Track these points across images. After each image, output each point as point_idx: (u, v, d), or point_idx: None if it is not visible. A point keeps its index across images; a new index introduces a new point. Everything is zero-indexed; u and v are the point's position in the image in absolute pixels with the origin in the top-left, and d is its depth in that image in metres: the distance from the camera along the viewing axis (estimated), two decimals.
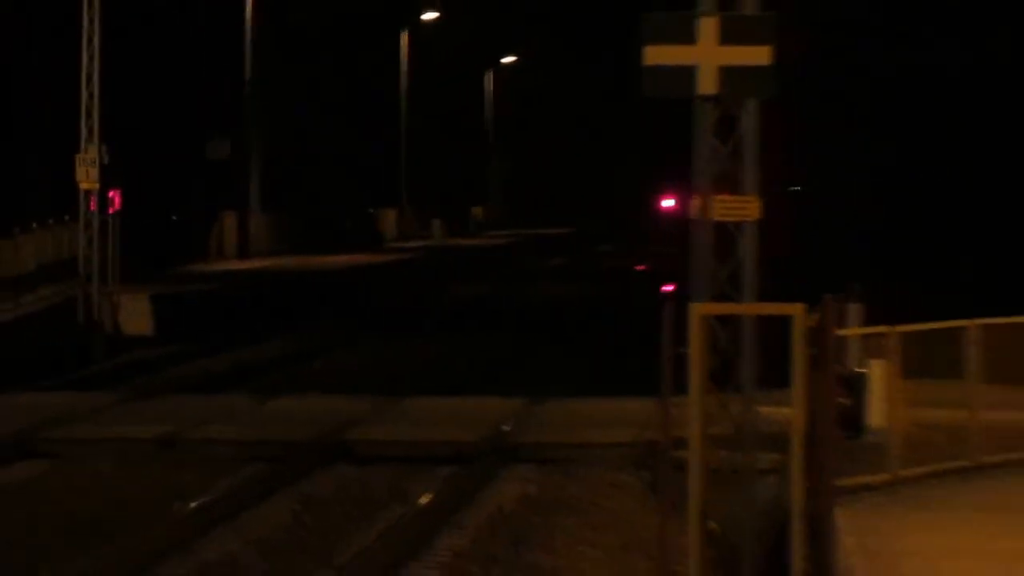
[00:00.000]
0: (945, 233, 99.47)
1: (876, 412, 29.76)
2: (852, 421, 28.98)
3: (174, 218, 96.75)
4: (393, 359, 66.72)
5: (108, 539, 28.16)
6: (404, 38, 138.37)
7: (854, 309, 30.67)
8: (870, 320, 30.96)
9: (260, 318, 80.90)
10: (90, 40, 77.54)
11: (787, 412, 19.25)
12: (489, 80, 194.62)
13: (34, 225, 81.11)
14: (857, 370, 29.55)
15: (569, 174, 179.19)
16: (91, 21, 77.28)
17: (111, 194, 77.75)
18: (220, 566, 26.39)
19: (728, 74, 20.14)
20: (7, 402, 46.67)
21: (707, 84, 20.26)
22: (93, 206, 76.01)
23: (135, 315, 75.02)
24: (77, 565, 25.72)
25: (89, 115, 77.87)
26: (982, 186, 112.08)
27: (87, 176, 75.39)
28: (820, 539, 19.94)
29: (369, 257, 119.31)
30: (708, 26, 20.18)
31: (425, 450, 39.41)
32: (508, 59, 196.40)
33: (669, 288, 21.29)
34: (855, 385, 29.81)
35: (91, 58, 78.02)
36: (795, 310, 19.03)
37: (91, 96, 78.91)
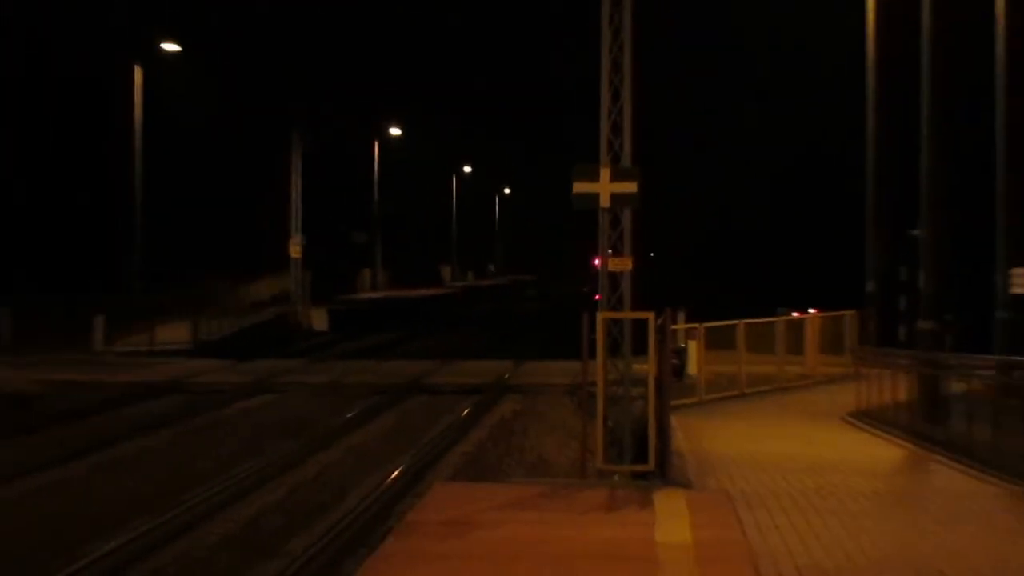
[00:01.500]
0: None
1: (691, 366, 42.32)
2: (679, 372, 39.74)
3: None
4: (447, 341, 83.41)
5: (300, 432, 40.11)
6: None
7: (681, 314, 41.91)
8: (689, 319, 44.27)
9: (381, 321, 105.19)
10: (296, 175, 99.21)
11: (646, 367, 24.94)
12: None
13: (266, 273, 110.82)
14: (681, 345, 41.41)
15: (539, 246, 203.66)
16: (298, 173, 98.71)
17: (301, 255, 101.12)
18: (360, 445, 38.04)
19: (615, 197, 27.10)
20: (255, 364, 64.91)
21: (604, 201, 27.22)
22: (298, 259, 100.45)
23: (318, 320, 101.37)
24: (284, 443, 37.28)
25: (296, 216, 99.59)
26: None
27: (295, 250, 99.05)
28: (662, 429, 24.87)
29: (436, 291, 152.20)
30: (605, 173, 27.02)
31: (463, 387, 53.92)
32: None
33: (596, 298, 27.02)
34: (681, 354, 41.42)
35: (297, 190, 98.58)
36: (649, 315, 25.24)
37: (296, 208, 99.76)
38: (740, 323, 43.42)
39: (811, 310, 66.36)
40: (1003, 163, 39.61)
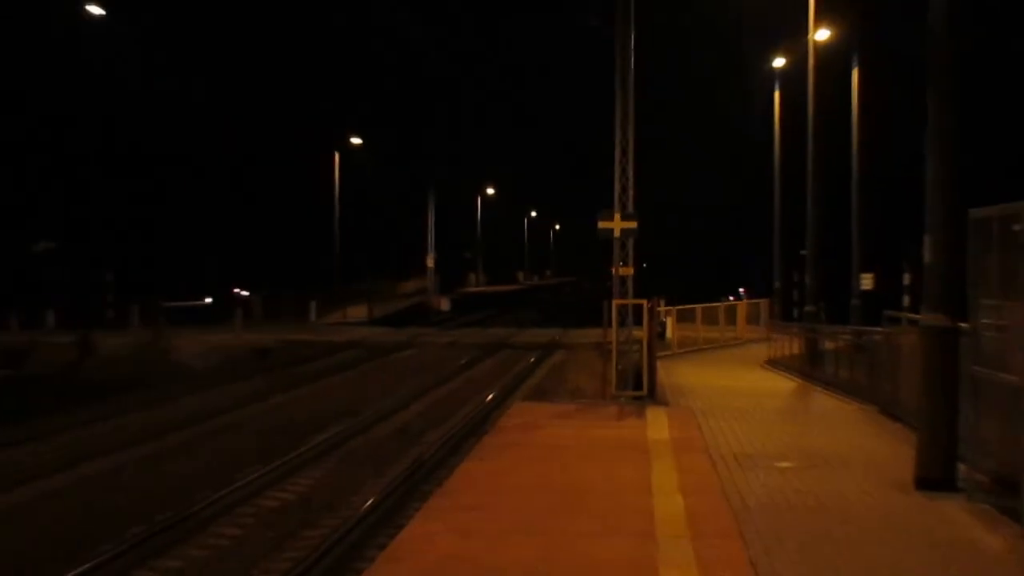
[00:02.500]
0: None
1: (669, 332, 40.48)
2: (661, 335, 36.82)
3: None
4: (520, 317, 77.83)
5: (434, 370, 38.97)
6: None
7: (662, 301, 38.29)
8: (667, 304, 40.84)
9: (481, 305, 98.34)
10: (431, 214, 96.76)
11: (641, 333, 24.19)
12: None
13: (412, 275, 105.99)
14: (663, 320, 38.89)
15: (579, 257, 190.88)
16: (431, 213, 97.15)
17: (433, 265, 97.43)
18: (470, 379, 37.56)
19: (623, 231, 25.01)
20: (406, 330, 63.01)
21: (616, 234, 25.10)
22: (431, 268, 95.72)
23: (444, 304, 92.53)
24: (424, 377, 36.61)
25: (430, 239, 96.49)
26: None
27: (430, 261, 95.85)
28: (650, 370, 24.10)
29: (514, 287, 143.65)
30: (616, 216, 24.84)
31: (531, 345, 51.61)
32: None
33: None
34: (662, 325, 38.98)
35: (431, 223, 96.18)
36: (643, 302, 24.83)
37: (430, 235, 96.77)
38: (698, 307, 43.74)
39: (741, 290, 67.52)
40: (855, 208, 40.56)
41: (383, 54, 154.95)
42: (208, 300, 75.68)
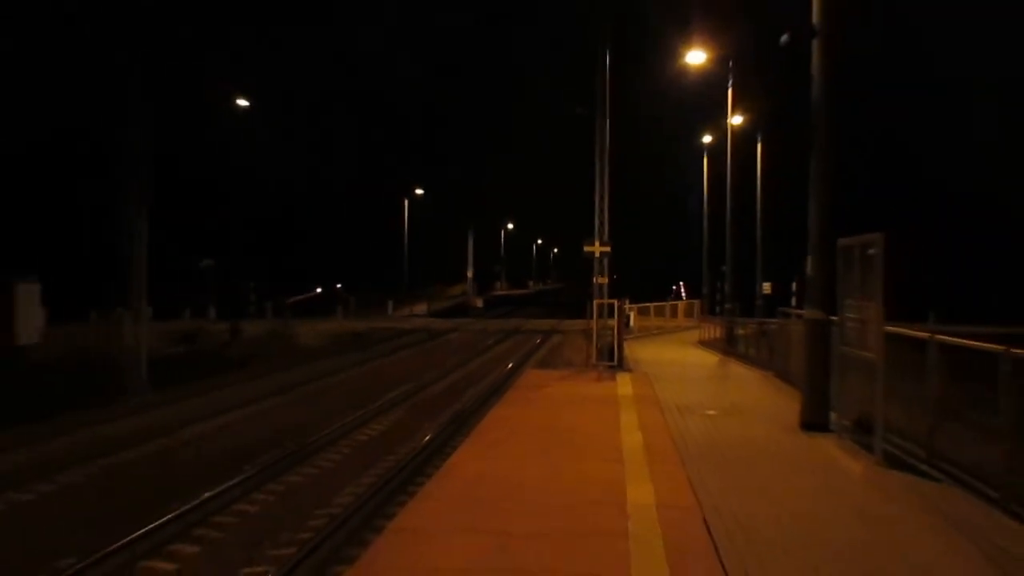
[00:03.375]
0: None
1: (632, 322, 37.25)
2: (627, 324, 32.42)
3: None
4: (529, 312, 76.39)
5: (471, 348, 38.71)
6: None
7: (628, 300, 32.94)
8: (632, 302, 37.64)
9: (505, 303, 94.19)
10: (471, 241, 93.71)
11: (613, 322, 23.18)
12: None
13: (457, 282, 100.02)
14: (628, 313, 34.68)
15: (572, 268, 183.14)
16: (471, 241, 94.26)
17: (472, 275, 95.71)
18: (495, 354, 36.62)
19: (602, 253, 24.19)
20: (453, 320, 60.84)
21: (597, 254, 24.10)
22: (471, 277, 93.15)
23: (478, 303, 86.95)
24: (466, 352, 36.33)
25: (470, 257, 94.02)
26: None
27: (470, 273, 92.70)
28: (619, 348, 23.71)
29: (526, 291, 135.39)
30: (597, 243, 24.06)
31: (536, 330, 50.18)
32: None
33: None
34: (627, 319, 34.21)
35: (470, 247, 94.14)
36: (615, 301, 23.81)
37: (470, 254, 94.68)
38: (651, 304, 43.68)
39: (675, 287, 66.88)
40: (759, 238, 40.29)
41: (436, 133, 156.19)
42: (319, 290, 76.17)
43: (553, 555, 7.11)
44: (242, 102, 49.37)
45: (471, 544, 7.34)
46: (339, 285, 77.78)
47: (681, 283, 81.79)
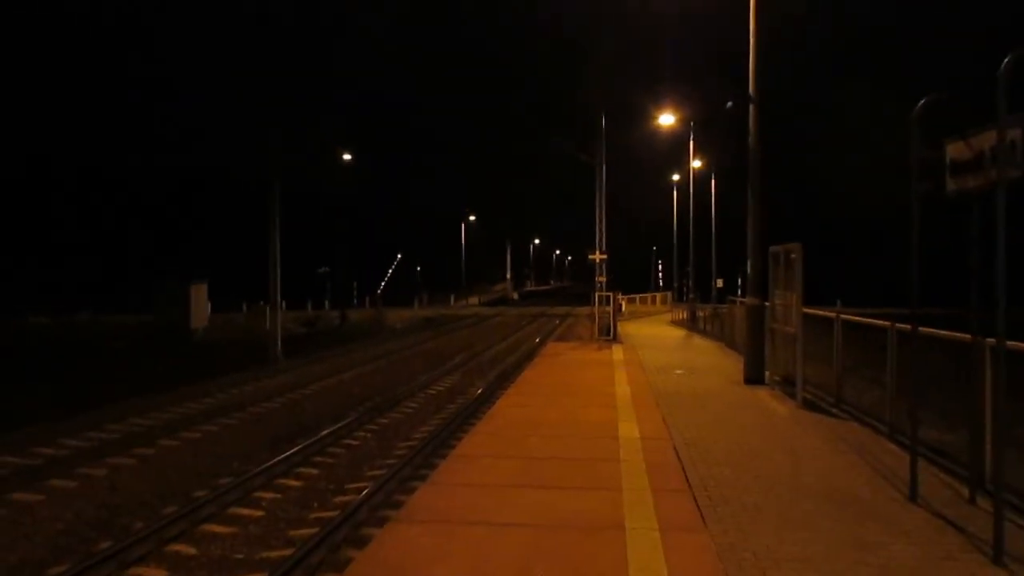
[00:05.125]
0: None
1: (623, 308, 37.31)
2: (620, 310, 33.10)
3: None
4: (552, 302, 74.57)
5: (507, 328, 37.25)
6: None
7: (620, 293, 33.15)
8: (624, 294, 39.27)
9: (535, 295, 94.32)
10: (509, 256, 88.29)
11: (609, 309, 22.83)
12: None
13: (498, 281, 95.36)
14: (620, 302, 33.53)
15: (583, 270, 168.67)
16: (509, 255, 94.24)
17: (510, 276, 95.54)
18: (526, 332, 34.83)
19: (601, 260, 23.37)
20: (497, 308, 59.88)
21: (597, 260, 23.43)
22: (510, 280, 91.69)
23: (515, 296, 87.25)
24: (506, 330, 35.16)
25: (508, 263, 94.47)
26: None
27: (509, 275, 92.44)
28: (614, 327, 23.97)
29: (549, 287, 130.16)
30: (597, 252, 23.44)
31: (557, 314, 48.45)
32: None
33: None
34: (619, 306, 32.76)
35: (509, 256, 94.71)
36: (612, 294, 23.62)
37: (508, 261, 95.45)
38: (638, 296, 43.74)
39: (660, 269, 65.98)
40: (714, 246, 39.94)
41: (481, 170, 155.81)
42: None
43: (565, 472, 7.12)
44: (347, 156, 49.42)
45: (506, 465, 7.36)
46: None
47: (660, 266, 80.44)
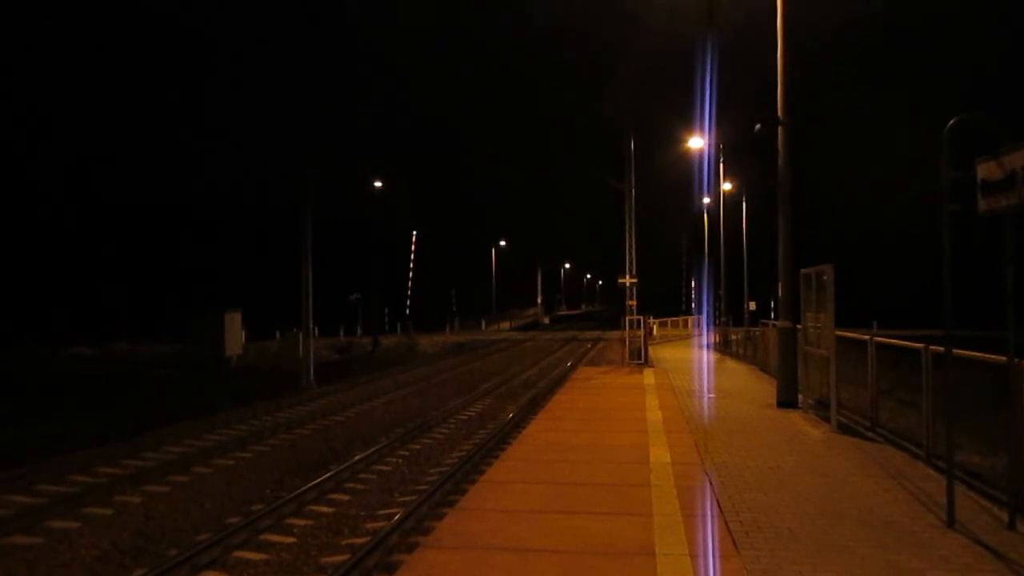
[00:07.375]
0: None
1: (654, 332, 37.12)
2: (651, 333, 31.65)
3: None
4: (582, 326, 75.36)
5: (544, 351, 37.66)
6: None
7: (651, 317, 33.77)
8: (655, 318, 39.81)
9: (565, 320, 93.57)
10: (539, 281, 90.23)
11: (640, 332, 22.86)
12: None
13: (530, 307, 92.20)
14: (651, 326, 33.18)
15: (613, 293, 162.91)
16: (539, 281, 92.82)
17: (541, 301, 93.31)
18: (559, 356, 34.62)
19: (631, 284, 23.57)
20: (528, 333, 59.85)
21: (628, 284, 23.59)
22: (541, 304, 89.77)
23: (546, 320, 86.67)
24: (539, 355, 35.21)
25: (539, 288, 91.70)
26: None
27: (539, 300, 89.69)
28: (645, 350, 23.60)
29: (580, 311, 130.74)
30: (628, 276, 23.63)
31: (588, 339, 48.04)
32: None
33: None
34: (650, 330, 34.34)
35: (539, 281, 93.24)
36: (643, 317, 23.58)
37: (539, 286, 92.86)
38: (669, 319, 43.52)
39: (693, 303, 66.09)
40: (745, 271, 39.66)
41: (513, 198, 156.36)
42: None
43: (595, 498, 7.08)
44: (377, 183, 49.96)
45: (536, 491, 7.34)
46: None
47: (692, 289, 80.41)
